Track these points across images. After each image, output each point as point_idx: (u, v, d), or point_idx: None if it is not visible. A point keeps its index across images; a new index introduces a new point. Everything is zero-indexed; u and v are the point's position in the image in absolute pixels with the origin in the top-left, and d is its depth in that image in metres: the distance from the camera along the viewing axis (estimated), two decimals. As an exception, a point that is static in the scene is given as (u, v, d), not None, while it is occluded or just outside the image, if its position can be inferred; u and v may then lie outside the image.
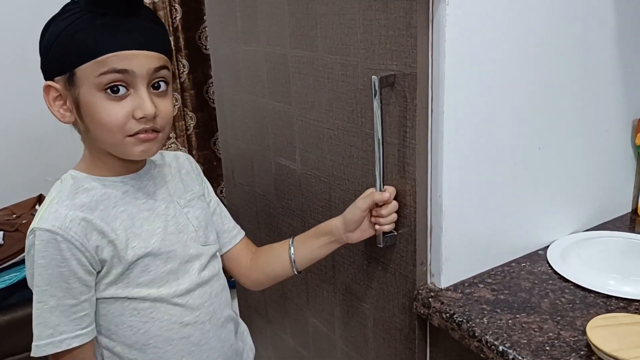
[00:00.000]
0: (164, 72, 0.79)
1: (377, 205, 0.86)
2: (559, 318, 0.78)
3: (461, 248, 0.87)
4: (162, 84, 0.79)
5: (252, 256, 1.01)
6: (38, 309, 0.78)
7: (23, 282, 1.57)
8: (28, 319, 1.60)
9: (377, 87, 0.81)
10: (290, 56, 1.05)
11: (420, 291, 0.88)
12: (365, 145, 0.92)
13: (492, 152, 0.86)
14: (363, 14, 0.85)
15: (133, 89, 0.76)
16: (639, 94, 1.02)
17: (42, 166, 1.96)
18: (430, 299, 0.85)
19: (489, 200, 0.88)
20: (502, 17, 0.80)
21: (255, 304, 1.47)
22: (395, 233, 0.89)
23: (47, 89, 0.79)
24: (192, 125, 2.09)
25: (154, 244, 0.82)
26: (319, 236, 0.94)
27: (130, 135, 0.76)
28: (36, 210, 1.79)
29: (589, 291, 0.83)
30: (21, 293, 1.60)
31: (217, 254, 0.95)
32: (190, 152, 2.10)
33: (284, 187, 1.18)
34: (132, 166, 0.84)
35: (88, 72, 0.74)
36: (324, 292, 1.14)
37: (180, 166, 0.94)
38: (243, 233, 1.02)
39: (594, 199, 1.02)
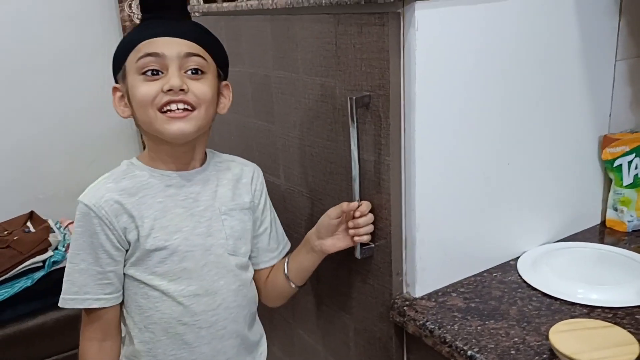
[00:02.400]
0: (197, 59, 0.86)
1: (354, 216, 0.90)
2: (525, 324, 0.82)
3: (435, 259, 0.92)
4: (198, 71, 0.86)
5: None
6: (69, 268, 0.88)
7: (14, 298, 1.59)
8: (20, 335, 1.63)
9: (353, 108, 0.86)
10: (273, 77, 1.10)
11: (396, 300, 0.92)
12: (344, 162, 0.96)
13: (463, 167, 0.91)
14: (340, 38, 0.90)
15: (167, 69, 0.84)
16: (605, 110, 1.08)
17: (34, 184, 1.99)
18: (405, 308, 0.89)
19: (461, 213, 0.93)
20: (469, 39, 0.86)
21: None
22: (373, 245, 0.93)
23: (113, 91, 0.91)
24: (182, 142, 2.13)
25: (176, 240, 0.88)
26: (301, 247, 0.99)
27: (162, 112, 0.83)
28: (27, 226, 1.82)
29: (555, 299, 0.88)
30: (13, 309, 1.61)
31: (248, 270, 0.97)
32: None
33: (269, 202, 1.22)
34: (184, 163, 0.91)
35: (131, 61, 0.86)
36: (308, 304, 1.18)
37: (241, 175, 0.98)
38: (280, 257, 1.03)
39: (564, 211, 1.07)
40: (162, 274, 0.88)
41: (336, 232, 0.93)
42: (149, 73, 0.84)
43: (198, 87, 0.85)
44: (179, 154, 0.90)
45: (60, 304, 0.88)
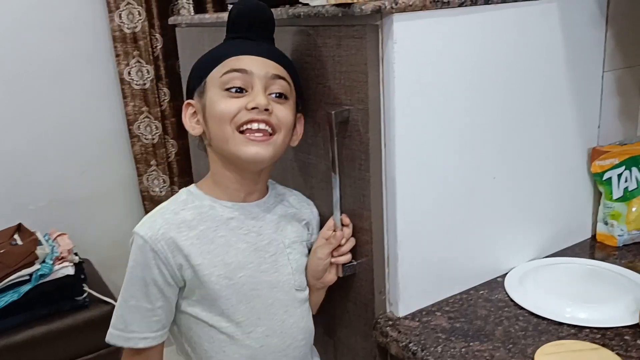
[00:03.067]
0: (282, 83, 0.83)
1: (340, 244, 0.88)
2: (510, 346, 0.79)
3: (418, 277, 0.89)
4: (282, 95, 0.83)
5: None
6: (120, 302, 0.83)
7: (1, 312, 1.57)
8: (5, 349, 1.60)
9: (332, 123, 0.84)
10: (255, 89, 1.08)
11: (379, 320, 0.89)
12: (326, 177, 0.94)
13: (446, 182, 0.88)
14: (319, 50, 0.88)
15: (251, 89, 0.80)
16: (594, 122, 1.06)
17: (24, 194, 1.97)
18: (388, 328, 0.87)
19: (445, 229, 0.90)
20: (450, 51, 0.83)
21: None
22: (355, 263, 0.91)
23: (186, 106, 0.88)
24: (173, 152, 2.11)
25: (241, 278, 0.82)
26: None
27: (241, 132, 0.79)
28: (14, 239, 1.80)
29: (542, 318, 0.85)
30: (1, 322, 1.59)
31: (308, 305, 0.92)
32: (171, 179, 2.12)
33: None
34: (248, 194, 0.87)
35: (214, 75, 0.82)
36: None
37: (300, 208, 0.94)
38: None
39: (552, 226, 1.04)
40: (227, 315, 0.83)
41: (327, 265, 0.90)
42: (233, 89, 0.80)
43: (281, 111, 0.82)
44: (244, 182, 0.85)
45: (107, 339, 0.84)
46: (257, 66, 0.81)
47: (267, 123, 0.80)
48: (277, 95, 0.82)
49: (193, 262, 0.80)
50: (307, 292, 0.91)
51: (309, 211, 0.95)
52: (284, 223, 0.90)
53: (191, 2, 2.01)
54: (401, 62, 0.79)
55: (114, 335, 0.83)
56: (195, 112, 0.86)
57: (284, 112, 0.82)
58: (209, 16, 1.18)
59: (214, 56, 0.84)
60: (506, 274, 0.98)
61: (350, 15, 0.79)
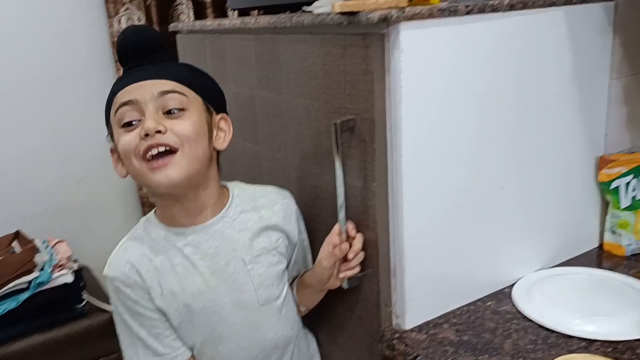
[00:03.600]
0: (174, 96, 0.80)
1: (347, 257, 0.87)
2: (520, 360, 0.78)
3: (425, 288, 0.88)
4: (176, 110, 0.80)
5: None
6: (131, 356, 0.88)
7: (-1, 320, 1.56)
8: (4, 359, 1.57)
9: (337, 132, 0.83)
10: (258, 98, 1.06)
11: (385, 333, 0.87)
12: (331, 187, 0.92)
13: (452, 192, 0.87)
14: (323, 59, 0.87)
15: (143, 117, 0.79)
16: (601, 130, 1.04)
17: (21, 201, 1.95)
18: (394, 341, 0.85)
19: (451, 240, 0.89)
20: (456, 60, 0.82)
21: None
22: (360, 275, 0.89)
23: (111, 153, 0.87)
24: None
25: (200, 303, 0.84)
26: (308, 288, 0.95)
27: (146, 161, 0.78)
28: (12, 247, 1.78)
29: (552, 331, 0.83)
30: (-1, 331, 1.58)
31: (285, 303, 0.91)
32: (171, 185, 2.10)
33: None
34: (197, 215, 0.86)
35: (112, 117, 0.82)
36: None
37: (265, 207, 0.91)
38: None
39: (559, 235, 1.03)
40: (191, 338, 0.87)
41: (334, 272, 0.89)
42: (127, 125, 0.80)
43: (178, 125, 0.79)
44: (185, 206, 0.84)
45: None
46: (141, 92, 0.79)
47: (164, 145, 0.78)
48: (173, 110, 0.80)
49: (153, 294, 0.84)
50: (279, 301, 0.90)
51: (280, 206, 0.92)
52: (247, 236, 0.88)
53: (191, 7, 2.00)
54: (408, 71, 0.77)
55: None
56: (118, 155, 0.85)
57: (182, 126, 0.79)
58: (210, 22, 1.17)
59: (109, 97, 0.83)
60: (513, 284, 0.96)
61: (356, 24, 0.78)
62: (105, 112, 0.85)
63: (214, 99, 0.88)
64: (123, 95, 0.80)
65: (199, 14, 2.02)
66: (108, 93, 0.84)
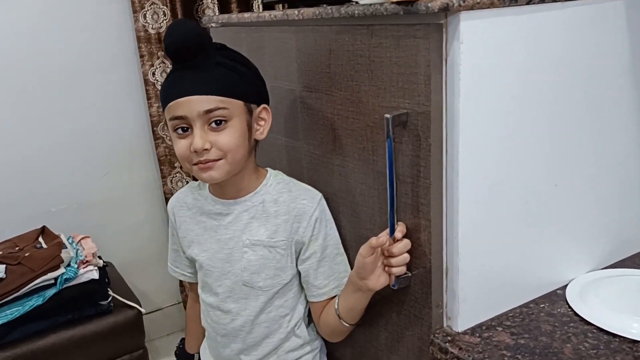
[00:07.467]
0: (217, 112, 0.89)
1: (389, 250, 0.84)
2: (583, 366, 0.74)
3: (477, 289, 0.84)
4: (221, 122, 0.89)
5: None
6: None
7: (24, 317, 1.54)
8: (30, 355, 1.57)
9: (389, 127, 0.80)
10: (298, 91, 1.04)
11: (436, 335, 0.84)
12: (377, 183, 0.90)
13: (508, 190, 0.83)
14: (373, 51, 0.84)
15: (193, 127, 0.90)
16: (653, 126, 1.00)
17: (46, 197, 1.95)
18: (447, 344, 0.82)
19: (505, 239, 0.85)
20: (517, 54, 0.78)
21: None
22: (410, 274, 0.86)
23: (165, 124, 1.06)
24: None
25: (202, 256, 1.02)
26: (347, 287, 0.94)
27: (195, 164, 0.91)
28: (39, 242, 1.77)
29: (613, 335, 0.80)
30: (23, 328, 1.56)
31: (275, 298, 1.00)
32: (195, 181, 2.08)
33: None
34: (232, 192, 0.99)
35: (166, 116, 0.93)
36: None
37: (286, 203, 0.97)
38: (329, 295, 0.99)
39: (611, 235, 0.99)
40: (201, 287, 1.07)
41: (375, 269, 0.86)
42: (180, 130, 0.91)
43: (221, 139, 0.90)
44: (223, 187, 0.99)
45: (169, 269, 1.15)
46: (189, 109, 0.88)
47: (209, 161, 0.90)
48: (217, 123, 0.89)
49: (180, 234, 1.06)
50: (265, 291, 0.98)
51: (303, 207, 0.96)
52: (256, 223, 0.98)
53: (216, 2, 1.97)
54: (467, 63, 0.74)
55: (169, 266, 1.15)
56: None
57: (224, 139, 0.90)
58: (249, 15, 1.14)
59: (162, 98, 0.93)
60: (565, 286, 0.93)
61: (412, 14, 0.75)
62: (161, 103, 0.95)
63: (254, 96, 0.94)
64: (174, 108, 0.90)
65: (224, 8, 2.00)
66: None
